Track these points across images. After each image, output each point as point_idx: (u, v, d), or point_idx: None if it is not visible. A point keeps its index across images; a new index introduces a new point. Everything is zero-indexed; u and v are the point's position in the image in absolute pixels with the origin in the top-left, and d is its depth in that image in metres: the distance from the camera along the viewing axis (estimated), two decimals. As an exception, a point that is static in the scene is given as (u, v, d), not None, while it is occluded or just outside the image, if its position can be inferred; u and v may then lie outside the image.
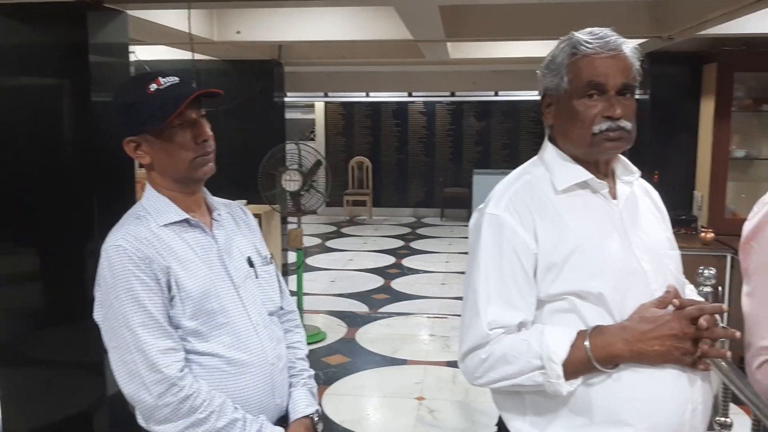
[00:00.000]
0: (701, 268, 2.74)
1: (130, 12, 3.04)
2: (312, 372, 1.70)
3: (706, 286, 2.79)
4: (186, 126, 1.46)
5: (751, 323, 1.34)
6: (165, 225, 1.48)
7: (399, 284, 6.77)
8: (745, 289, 1.40)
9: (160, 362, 1.38)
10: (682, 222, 4.85)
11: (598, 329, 1.32)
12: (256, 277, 1.59)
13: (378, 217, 10.79)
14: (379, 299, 6.23)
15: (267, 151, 4.80)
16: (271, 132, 5.42)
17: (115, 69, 2.88)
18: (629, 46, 1.41)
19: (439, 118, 10.73)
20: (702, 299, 1.51)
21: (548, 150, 1.47)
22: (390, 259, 7.92)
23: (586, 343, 1.30)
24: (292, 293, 5.43)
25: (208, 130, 1.50)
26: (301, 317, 5.02)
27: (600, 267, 1.35)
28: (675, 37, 4.00)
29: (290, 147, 4.89)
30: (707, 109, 4.78)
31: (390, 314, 5.73)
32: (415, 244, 8.82)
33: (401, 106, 10.69)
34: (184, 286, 1.44)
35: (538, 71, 1.46)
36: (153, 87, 1.45)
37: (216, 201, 1.64)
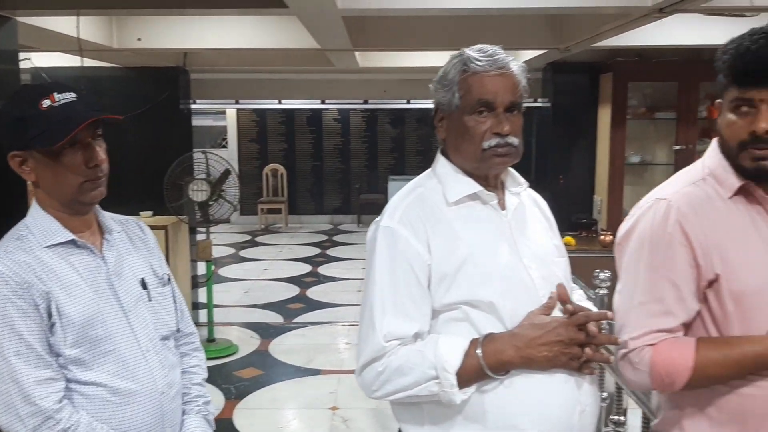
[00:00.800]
0: (597, 271, 2.87)
1: (20, 18, 2.90)
2: (208, 399, 1.64)
3: (601, 288, 2.92)
4: (78, 148, 1.38)
5: (618, 319, 1.42)
6: (49, 246, 1.40)
7: (315, 293, 6.73)
8: (617, 287, 1.47)
9: (35, 393, 1.31)
10: (583, 225, 5.05)
11: (489, 337, 1.35)
12: (149, 300, 1.52)
13: (294, 225, 10.70)
14: (295, 309, 6.18)
15: (173, 160, 4.68)
16: (177, 140, 5.28)
17: (3, 77, 2.74)
18: (516, 64, 1.46)
19: (354, 125, 10.77)
20: (590, 304, 1.57)
21: (440, 163, 1.50)
22: (306, 268, 7.86)
23: (478, 351, 1.33)
24: (202, 306, 5.34)
25: (101, 154, 1.42)
26: (212, 331, 4.93)
27: (490, 276, 1.38)
28: (572, 48, 4.18)
29: (197, 156, 4.78)
30: (604, 116, 5.02)
31: (305, 324, 5.69)
32: (331, 252, 8.80)
33: (315, 113, 10.66)
34: (66, 312, 1.36)
35: (431, 86, 1.49)
36: (46, 103, 1.36)
37: (110, 219, 1.55)
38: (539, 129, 5.88)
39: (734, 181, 1.34)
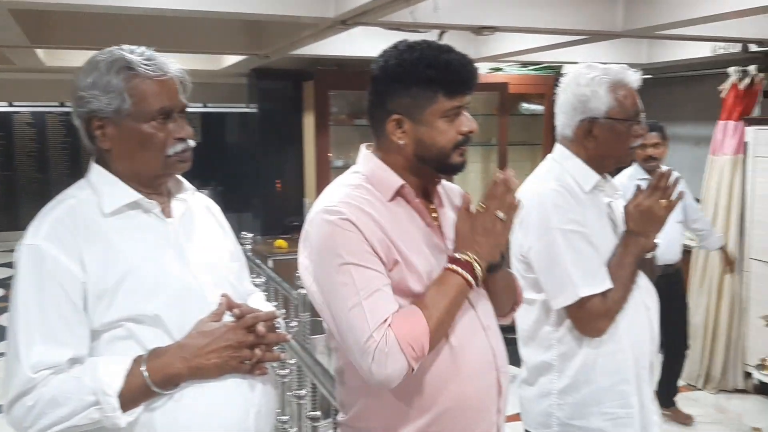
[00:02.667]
0: (298, 273, 2.95)
1: None
2: None
3: (303, 288, 3.00)
4: None
5: (341, 324, 1.41)
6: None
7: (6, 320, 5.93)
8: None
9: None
10: (296, 228, 5.19)
11: (154, 352, 1.29)
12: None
13: (-18, 244, 9.35)
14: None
15: None
16: None
17: None
18: (176, 66, 1.42)
19: (52, 130, 9.74)
20: (269, 305, 1.59)
21: (95, 171, 1.40)
22: (-3, 292, 6.91)
23: (143, 368, 1.27)
24: None
25: None
26: None
27: (155, 288, 1.33)
28: (271, 55, 4.25)
29: None
30: (309, 122, 5.21)
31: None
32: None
33: (3, 116, 9.43)
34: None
35: (82, 93, 1.36)
36: None
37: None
38: (248, 135, 5.90)
39: (393, 185, 1.40)
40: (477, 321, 1.43)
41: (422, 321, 1.30)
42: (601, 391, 1.82)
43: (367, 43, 4.18)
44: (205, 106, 6.82)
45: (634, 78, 1.83)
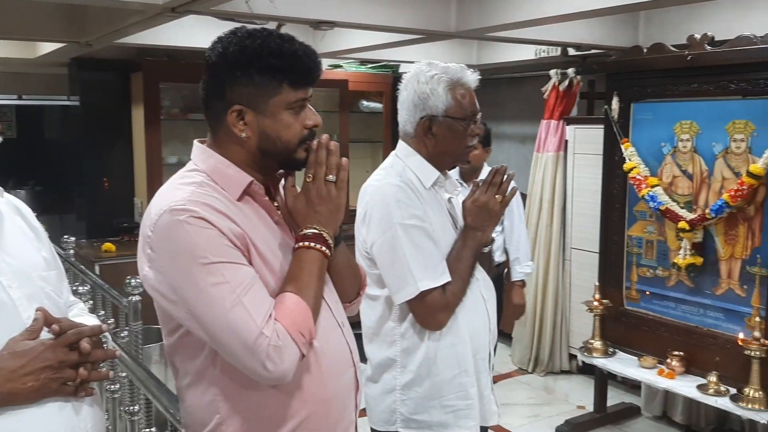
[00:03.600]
0: (128, 278, 2.74)
1: None
2: None
3: (133, 294, 2.79)
4: None
5: (218, 331, 1.30)
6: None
7: None
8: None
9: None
10: (125, 230, 4.87)
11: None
12: None
13: None
14: None
15: None
16: None
17: None
18: None
19: None
20: (92, 318, 1.43)
21: None
22: None
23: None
24: None
25: None
26: None
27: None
28: (93, 43, 3.93)
29: None
30: (138, 117, 4.88)
31: None
32: None
33: None
34: None
35: None
36: None
37: None
38: (71, 129, 5.43)
39: (241, 183, 1.33)
40: (333, 319, 1.41)
41: (302, 304, 1.26)
42: (442, 384, 1.86)
43: (199, 33, 4.00)
44: (20, 98, 6.18)
45: (473, 78, 1.88)
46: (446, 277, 1.81)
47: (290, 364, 1.22)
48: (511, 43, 4.33)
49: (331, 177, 1.35)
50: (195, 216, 1.22)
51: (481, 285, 1.95)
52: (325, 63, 5.35)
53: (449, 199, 1.98)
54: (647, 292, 3.64)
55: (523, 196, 5.01)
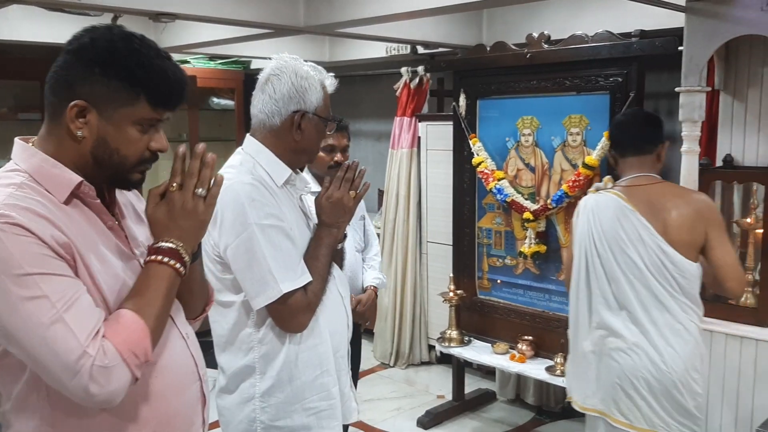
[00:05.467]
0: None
1: None
2: None
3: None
4: None
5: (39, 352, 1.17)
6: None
7: None
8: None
9: None
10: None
11: None
12: None
13: None
14: None
15: None
16: None
17: None
18: None
19: None
20: None
21: None
22: None
23: None
24: None
25: None
26: None
27: None
28: None
29: None
30: (-43, 116, 4.40)
31: None
32: None
33: None
34: None
35: None
36: None
37: None
38: None
39: (69, 183, 1.21)
40: (176, 331, 1.33)
41: (140, 323, 1.16)
42: (304, 387, 1.81)
43: (25, 25, 3.67)
44: None
45: (332, 83, 1.88)
46: (307, 277, 1.77)
47: (119, 386, 1.12)
48: (362, 39, 4.34)
49: (201, 191, 1.27)
50: (10, 222, 1.09)
51: (338, 282, 1.92)
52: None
53: (300, 197, 1.94)
54: (498, 281, 3.79)
55: (381, 193, 5.07)
